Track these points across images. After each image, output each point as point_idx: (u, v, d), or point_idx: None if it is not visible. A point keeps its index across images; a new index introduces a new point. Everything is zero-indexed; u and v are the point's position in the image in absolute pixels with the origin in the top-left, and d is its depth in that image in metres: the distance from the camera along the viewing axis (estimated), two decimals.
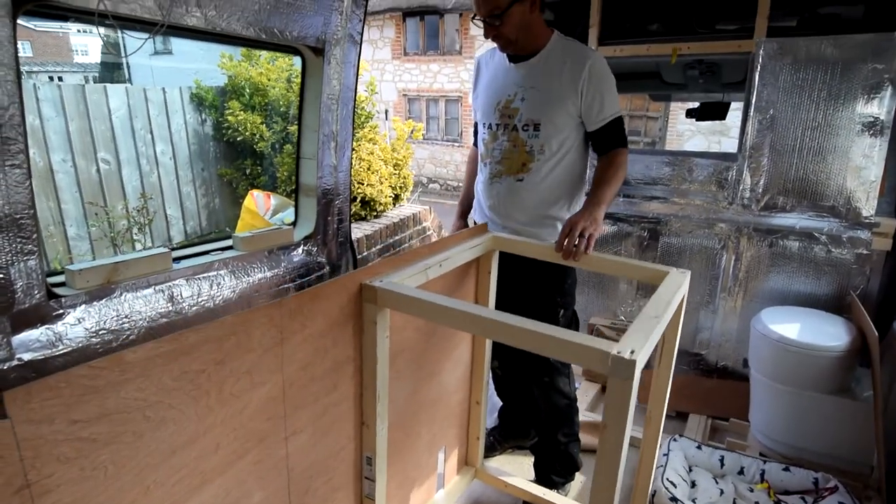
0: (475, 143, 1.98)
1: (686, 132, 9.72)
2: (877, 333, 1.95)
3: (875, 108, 2.20)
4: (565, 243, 1.51)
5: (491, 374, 2.09)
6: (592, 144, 1.78)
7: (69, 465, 0.80)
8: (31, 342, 1.23)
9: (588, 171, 1.87)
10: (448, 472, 1.88)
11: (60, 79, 18.98)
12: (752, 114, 2.42)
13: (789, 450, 2.12)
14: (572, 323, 1.95)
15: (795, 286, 2.47)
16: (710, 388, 2.63)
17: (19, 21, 1.14)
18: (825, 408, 2.05)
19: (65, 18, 1.35)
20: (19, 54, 1.16)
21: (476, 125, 1.93)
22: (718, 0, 2.55)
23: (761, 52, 2.35)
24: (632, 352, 0.95)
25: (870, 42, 2.17)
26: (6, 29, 1.10)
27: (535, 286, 1.83)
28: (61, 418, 0.79)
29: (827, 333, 2.08)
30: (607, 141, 1.74)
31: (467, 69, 11.40)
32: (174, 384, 0.93)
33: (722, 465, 2.02)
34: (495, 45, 1.75)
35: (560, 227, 1.75)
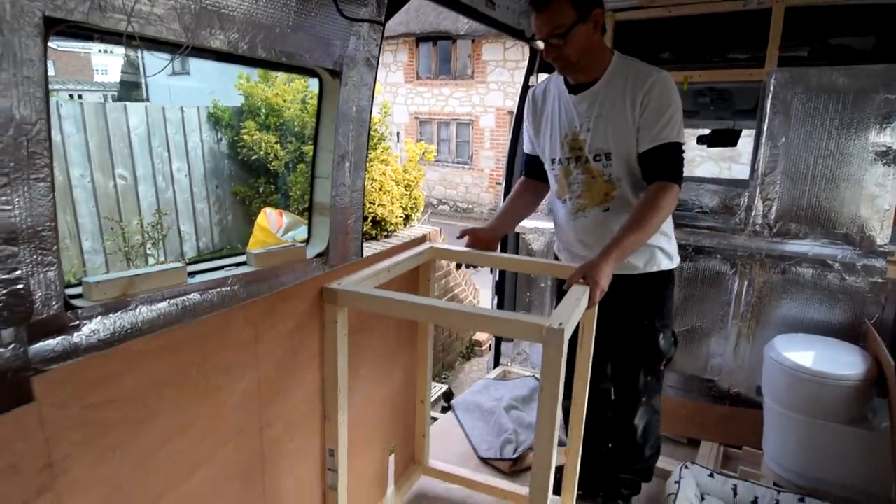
0: (525, 173, 1.93)
1: (696, 158, 9.74)
2: (893, 363, 1.92)
3: (888, 138, 2.21)
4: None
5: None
6: (641, 171, 1.63)
7: (82, 447, 0.88)
8: (48, 352, 1.24)
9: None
10: (398, 468, 1.99)
11: (80, 97, 19.43)
12: (763, 141, 2.43)
13: (804, 480, 2.08)
14: (673, 346, 1.88)
15: (809, 314, 2.45)
16: (723, 415, 2.59)
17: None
18: (841, 438, 2.01)
19: (92, 39, 1.40)
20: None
21: (527, 157, 1.90)
22: (730, 30, 2.58)
23: (773, 81, 2.37)
24: (560, 324, 1.16)
25: (881, 73, 2.19)
26: (37, 48, 1.14)
27: (631, 310, 1.78)
28: (76, 403, 0.86)
29: (842, 362, 2.05)
30: (654, 168, 1.57)
31: (479, 93, 11.54)
32: (167, 377, 1.02)
33: (735, 494, 1.97)
34: (550, 73, 1.66)
35: (657, 253, 1.74)
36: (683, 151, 1.60)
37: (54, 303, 1.27)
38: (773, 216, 2.46)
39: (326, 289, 1.37)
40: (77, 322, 1.32)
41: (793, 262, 2.44)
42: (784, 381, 2.10)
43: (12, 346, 1.21)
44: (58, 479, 0.85)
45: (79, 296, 1.39)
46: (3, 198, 1.14)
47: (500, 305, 3.12)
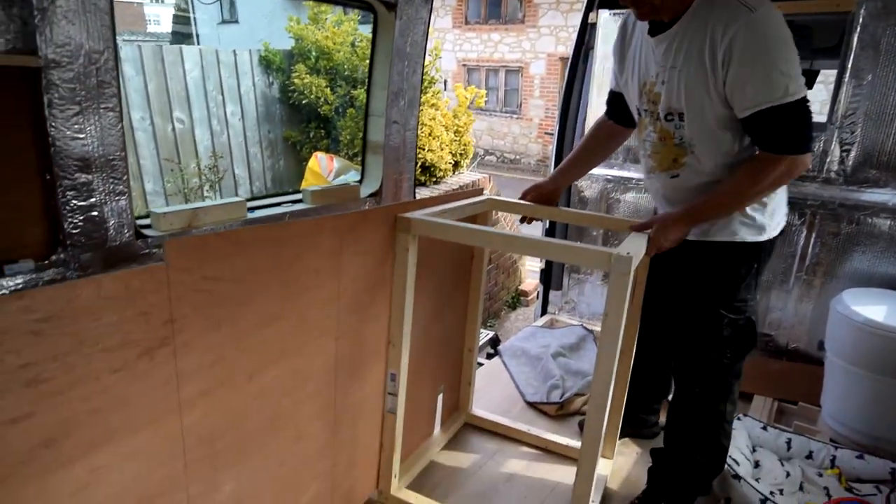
0: (607, 113, 1.74)
1: None
2: None
3: None
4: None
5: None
6: (750, 137, 1.37)
7: (196, 313, 0.98)
8: None
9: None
10: (443, 413, 2.03)
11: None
12: (846, 80, 2.24)
13: (864, 438, 2.01)
14: (744, 337, 1.53)
15: (882, 267, 2.31)
16: (778, 370, 2.52)
17: None
18: None
19: None
20: None
21: (610, 94, 1.71)
22: None
23: (862, 11, 2.16)
24: (627, 252, 1.20)
25: None
26: None
27: (693, 285, 1.55)
28: (196, 272, 0.97)
29: None
30: (757, 137, 1.33)
31: (529, 39, 11.09)
32: (268, 266, 1.10)
33: (789, 447, 1.94)
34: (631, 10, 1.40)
35: (734, 219, 1.45)
36: (804, 105, 1.25)
37: (126, 231, 1.33)
38: (850, 162, 2.29)
39: (401, 217, 1.42)
40: (147, 251, 1.38)
41: (869, 212, 2.29)
42: (851, 335, 2.01)
43: (90, 270, 1.28)
44: (176, 336, 0.94)
45: (147, 226, 1.45)
46: (77, 126, 1.18)
47: None
